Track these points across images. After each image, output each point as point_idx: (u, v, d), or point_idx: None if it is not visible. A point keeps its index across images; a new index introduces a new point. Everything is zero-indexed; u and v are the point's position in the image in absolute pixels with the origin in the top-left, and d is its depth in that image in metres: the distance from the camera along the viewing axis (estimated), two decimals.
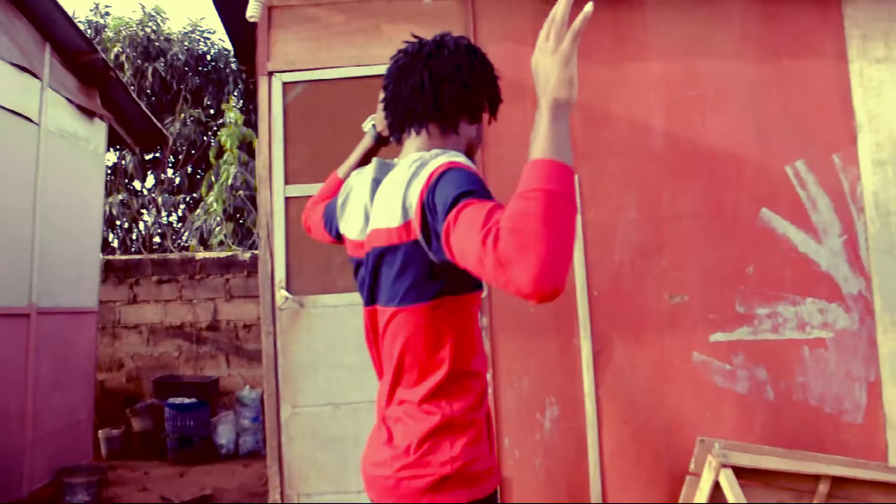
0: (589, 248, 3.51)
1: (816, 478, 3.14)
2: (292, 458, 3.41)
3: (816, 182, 3.52)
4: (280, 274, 3.50)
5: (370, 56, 3.57)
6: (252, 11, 3.34)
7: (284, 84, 3.57)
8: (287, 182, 3.54)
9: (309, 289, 3.51)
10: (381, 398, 1.57)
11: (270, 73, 3.55)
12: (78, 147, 6.34)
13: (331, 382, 3.40)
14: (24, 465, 5.37)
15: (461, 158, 1.42)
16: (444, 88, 1.52)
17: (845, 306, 3.47)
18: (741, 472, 3.11)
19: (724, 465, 3.10)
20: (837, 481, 3.14)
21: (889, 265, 3.47)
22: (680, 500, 3.26)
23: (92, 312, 6.61)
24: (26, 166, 5.57)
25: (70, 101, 6.16)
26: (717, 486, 3.07)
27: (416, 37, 1.63)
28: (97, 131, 6.68)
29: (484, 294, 3.45)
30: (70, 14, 6.00)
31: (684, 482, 3.23)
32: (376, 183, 1.58)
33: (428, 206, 1.32)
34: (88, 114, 6.45)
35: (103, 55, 6.46)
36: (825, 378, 3.46)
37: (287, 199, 3.53)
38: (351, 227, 1.66)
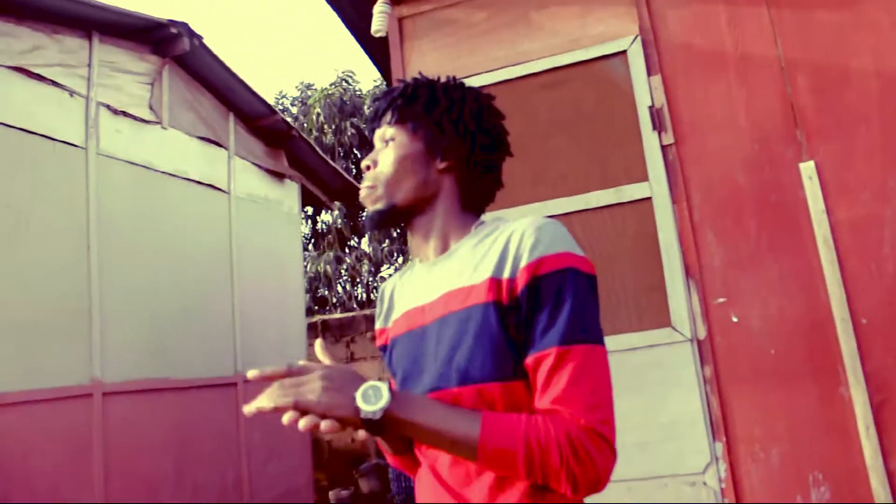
0: (844, 259, 2.52)
1: None
2: None
3: None
4: None
5: (520, 53, 2.92)
6: (377, 25, 2.85)
7: None
8: None
9: None
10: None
11: None
12: (270, 210, 6.38)
13: None
14: None
15: None
16: None
17: None
18: None
19: None
20: None
21: None
22: None
23: None
24: (221, 235, 5.64)
25: (258, 165, 6.22)
26: None
27: None
28: (289, 192, 6.72)
29: (702, 335, 2.59)
30: (273, 94, 6.12)
31: None
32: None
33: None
34: (278, 176, 6.50)
35: (298, 121, 6.51)
36: None
37: None
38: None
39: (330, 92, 11.56)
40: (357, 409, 0.97)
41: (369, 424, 0.98)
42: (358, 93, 12.04)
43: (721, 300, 2.60)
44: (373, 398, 0.98)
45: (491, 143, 1.24)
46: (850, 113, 2.59)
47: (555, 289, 1.06)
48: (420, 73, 1.31)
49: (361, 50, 3.79)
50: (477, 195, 1.26)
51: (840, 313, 2.49)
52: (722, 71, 2.75)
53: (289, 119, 6.39)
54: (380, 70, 3.93)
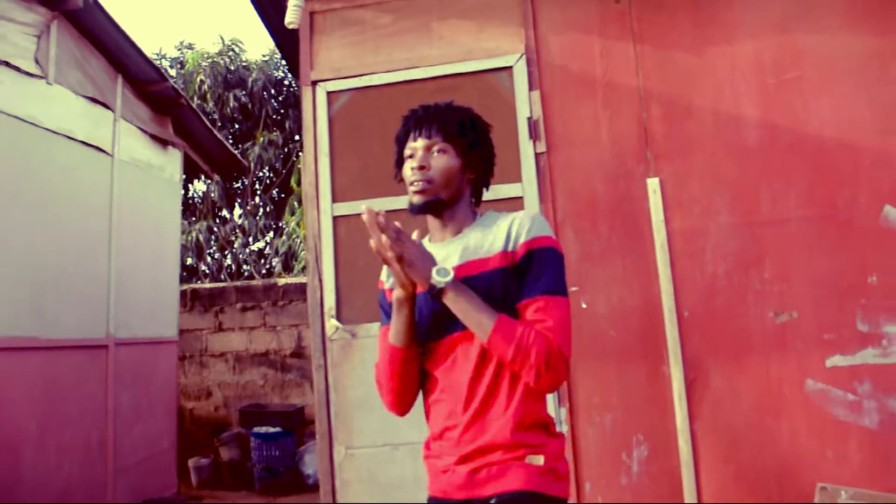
0: (676, 261, 3.05)
1: None
2: None
3: None
4: (329, 301, 3.21)
5: (419, 57, 3.26)
6: (291, 17, 3.09)
7: (329, 94, 3.30)
8: (335, 200, 3.26)
9: (362, 317, 3.20)
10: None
11: (314, 83, 3.30)
12: (152, 175, 6.35)
13: (387, 421, 3.05)
14: (107, 496, 5.37)
15: None
16: None
17: None
18: None
19: None
20: None
21: None
22: None
23: (172, 342, 6.58)
24: (101, 197, 5.60)
25: (143, 130, 6.19)
26: None
27: None
28: (172, 160, 6.70)
29: None
30: (152, 53, 6.05)
31: None
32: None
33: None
34: (162, 142, 6.47)
35: (177, 85, 6.48)
36: None
37: (335, 218, 3.25)
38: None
39: (216, 60, 11.41)
40: (430, 277, 1.52)
41: (433, 290, 1.52)
42: (244, 63, 11.92)
43: (574, 289, 3.07)
44: (443, 274, 1.52)
45: (493, 161, 1.79)
46: (690, 141, 3.12)
47: (542, 258, 1.59)
48: (453, 103, 1.78)
49: (265, 32, 3.97)
50: (481, 195, 1.79)
51: (668, 306, 3.02)
52: (591, 93, 3.21)
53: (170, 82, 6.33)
54: (285, 58, 4.14)
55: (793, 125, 3.05)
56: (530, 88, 3.20)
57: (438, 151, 1.69)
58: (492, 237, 1.66)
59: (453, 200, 1.71)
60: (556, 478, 1.61)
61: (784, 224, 3.02)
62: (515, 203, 3.15)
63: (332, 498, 3.10)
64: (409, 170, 1.70)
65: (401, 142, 1.75)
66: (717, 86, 3.14)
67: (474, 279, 1.62)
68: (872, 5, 3.06)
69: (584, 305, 3.07)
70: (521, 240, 1.61)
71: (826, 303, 2.97)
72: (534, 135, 3.16)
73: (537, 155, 3.17)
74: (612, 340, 3.05)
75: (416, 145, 1.70)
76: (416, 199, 1.68)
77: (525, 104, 3.18)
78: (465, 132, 1.72)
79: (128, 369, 5.73)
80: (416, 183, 1.67)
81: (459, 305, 1.53)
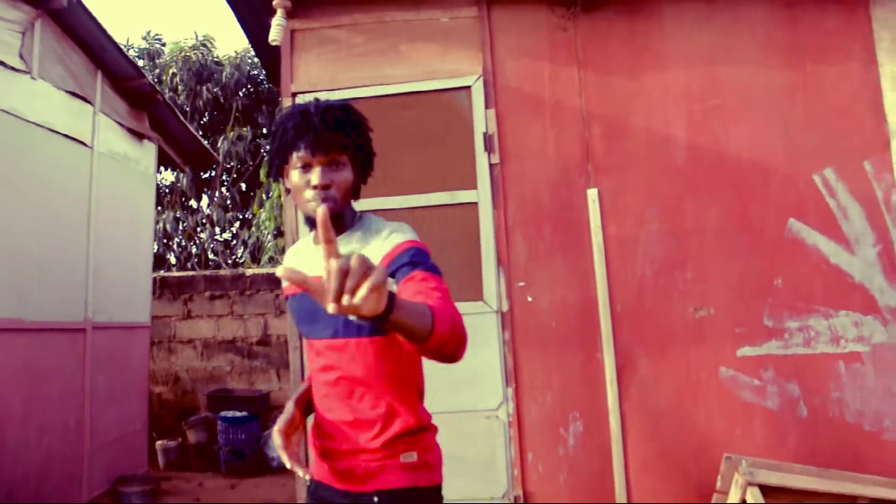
0: (611, 262, 3.48)
1: (852, 498, 3.05)
2: None
3: (847, 190, 3.41)
4: None
5: (388, 76, 3.63)
6: (274, 35, 3.43)
7: None
8: None
9: None
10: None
11: (294, 95, 3.65)
12: (129, 168, 6.59)
13: None
14: (84, 473, 5.60)
15: None
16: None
17: (882, 319, 3.35)
18: (770, 492, 3.04)
19: (750, 484, 3.03)
20: (876, 503, 3.03)
21: None
22: None
23: (144, 327, 6.84)
24: (80, 188, 5.83)
25: (121, 124, 6.43)
26: None
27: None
28: (147, 152, 6.94)
29: (505, 309, 3.45)
30: (120, 43, 6.26)
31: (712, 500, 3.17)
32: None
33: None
34: (138, 136, 6.72)
35: (154, 80, 6.71)
36: (863, 394, 3.34)
37: None
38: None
39: (188, 54, 11.60)
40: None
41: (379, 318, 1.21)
42: (216, 59, 12.11)
43: (521, 284, 3.50)
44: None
45: (373, 161, 1.79)
46: (626, 157, 3.55)
47: (412, 252, 1.61)
48: (349, 104, 1.74)
49: (235, 27, 4.28)
50: (360, 193, 1.78)
51: (603, 302, 3.45)
52: (540, 112, 3.62)
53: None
54: (266, 70, 4.46)
55: (714, 147, 3.51)
56: (486, 107, 3.60)
57: (338, 166, 1.68)
58: (372, 244, 1.69)
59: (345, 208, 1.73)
60: (428, 470, 1.73)
61: (704, 233, 3.47)
62: (472, 207, 3.55)
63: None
64: (309, 190, 1.66)
65: (290, 145, 1.67)
66: (650, 109, 3.58)
67: None
68: (784, 44, 3.53)
69: (529, 299, 3.49)
70: (395, 243, 1.64)
71: (738, 301, 3.43)
72: (489, 148, 3.56)
73: (491, 166, 3.57)
74: (554, 330, 3.47)
75: (316, 159, 1.66)
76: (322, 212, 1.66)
77: (481, 120, 3.58)
78: (360, 143, 1.72)
79: (104, 352, 5.96)
80: (321, 203, 1.64)
81: (407, 310, 1.29)
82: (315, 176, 1.64)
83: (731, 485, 3.11)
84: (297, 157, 1.66)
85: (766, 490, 3.02)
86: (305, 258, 1.83)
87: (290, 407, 1.80)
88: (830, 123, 3.45)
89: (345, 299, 1.08)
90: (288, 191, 1.76)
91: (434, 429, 1.80)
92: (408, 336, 1.32)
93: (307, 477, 1.66)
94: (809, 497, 3.07)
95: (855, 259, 3.38)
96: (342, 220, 1.74)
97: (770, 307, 3.40)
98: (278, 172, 1.76)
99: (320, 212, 1.18)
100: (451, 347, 1.43)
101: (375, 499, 1.67)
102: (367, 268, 1.10)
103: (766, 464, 3.15)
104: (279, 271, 1.25)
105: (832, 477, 3.13)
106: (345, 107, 1.71)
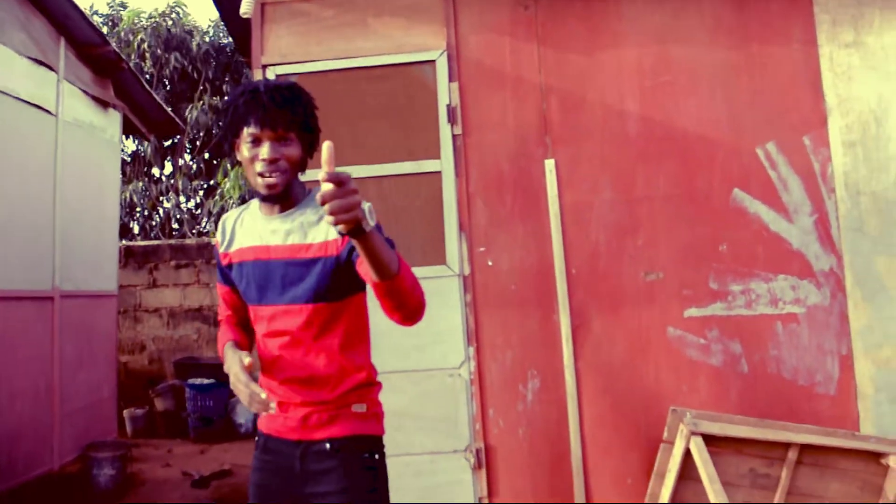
0: (566, 228, 3.68)
1: (786, 445, 3.30)
2: None
3: (787, 163, 3.64)
4: None
5: (356, 49, 3.76)
6: (245, 8, 3.53)
7: (277, 76, 3.76)
8: None
9: None
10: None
11: (264, 67, 3.75)
12: (94, 136, 6.59)
13: None
14: (54, 439, 5.70)
15: None
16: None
17: (816, 283, 3.60)
18: (712, 441, 3.28)
19: (694, 433, 3.26)
20: (806, 449, 3.29)
21: (859, 243, 3.59)
22: (655, 467, 3.43)
23: (112, 296, 6.89)
24: (45, 156, 5.82)
25: (85, 92, 6.40)
26: (688, 454, 3.23)
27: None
28: (112, 121, 6.93)
29: (467, 272, 3.64)
30: (85, 9, 6.21)
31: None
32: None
33: None
34: (103, 104, 6.70)
35: (118, 47, 6.67)
36: (798, 352, 3.59)
37: None
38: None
39: (158, 21, 11.44)
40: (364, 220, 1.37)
41: (359, 230, 1.37)
42: (187, 27, 11.94)
43: (482, 249, 3.69)
44: (372, 214, 1.40)
45: (319, 137, 1.85)
46: (581, 129, 3.74)
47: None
48: (296, 83, 1.84)
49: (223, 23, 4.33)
50: (306, 167, 1.86)
51: (559, 265, 3.66)
52: (501, 86, 3.77)
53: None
54: (237, 42, 4.54)
55: (665, 121, 3.70)
56: (450, 80, 3.75)
57: (286, 141, 1.76)
58: (317, 220, 1.80)
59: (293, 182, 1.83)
60: (377, 420, 1.90)
61: (654, 201, 3.69)
62: (436, 176, 3.71)
63: None
64: (259, 163, 1.74)
65: (241, 120, 1.75)
66: (605, 84, 3.76)
67: (298, 262, 1.79)
68: (731, 25, 3.72)
69: (490, 263, 3.69)
70: None
71: (686, 265, 3.65)
72: (452, 119, 3.72)
73: (454, 136, 3.73)
74: (513, 292, 3.68)
75: (265, 134, 1.74)
76: (269, 192, 1.77)
77: (445, 93, 3.73)
78: (307, 120, 1.80)
79: (72, 320, 6.02)
80: (269, 175, 1.74)
81: (373, 244, 1.42)
82: (265, 150, 1.73)
83: (677, 435, 3.35)
84: (247, 132, 1.74)
85: (708, 439, 3.26)
86: (247, 226, 1.94)
87: (240, 355, 1.80)
88: (773, 100, 3.67)
89: (335, 204, 1.32)
90: (239, 163, 1.90)
91: (380, 385, 1.94)
92: (376, 266, 1.46)
93: (273, 405, 1.71)
94: (748, 445, 3.32)
95: (793, 227, 3.62)
96: (292, 194, 1.84)
97: (715, 271, 3.63)
98: (230, 147, 1.86)
99: (325, 147, 1.40)
100: (412, 303, 1.58)
101: (327, 445, 1.80)
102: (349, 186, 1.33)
103: (709, 415, 3.40)
104: (218, 236, 1.66)
105: (768, 426, 3.39)
106: (293, 86, 1.80)
